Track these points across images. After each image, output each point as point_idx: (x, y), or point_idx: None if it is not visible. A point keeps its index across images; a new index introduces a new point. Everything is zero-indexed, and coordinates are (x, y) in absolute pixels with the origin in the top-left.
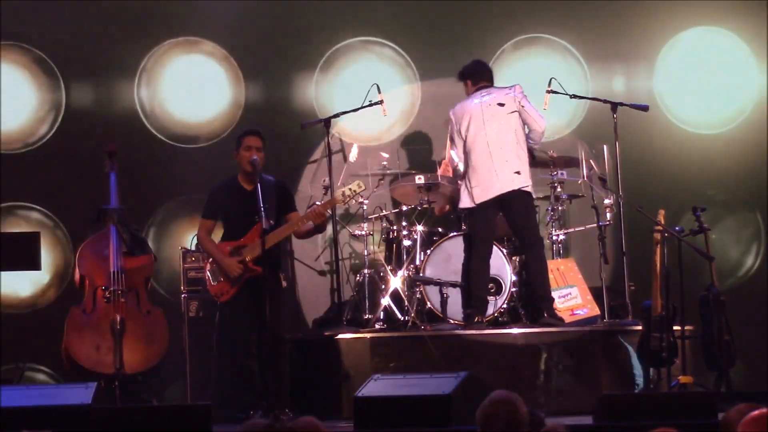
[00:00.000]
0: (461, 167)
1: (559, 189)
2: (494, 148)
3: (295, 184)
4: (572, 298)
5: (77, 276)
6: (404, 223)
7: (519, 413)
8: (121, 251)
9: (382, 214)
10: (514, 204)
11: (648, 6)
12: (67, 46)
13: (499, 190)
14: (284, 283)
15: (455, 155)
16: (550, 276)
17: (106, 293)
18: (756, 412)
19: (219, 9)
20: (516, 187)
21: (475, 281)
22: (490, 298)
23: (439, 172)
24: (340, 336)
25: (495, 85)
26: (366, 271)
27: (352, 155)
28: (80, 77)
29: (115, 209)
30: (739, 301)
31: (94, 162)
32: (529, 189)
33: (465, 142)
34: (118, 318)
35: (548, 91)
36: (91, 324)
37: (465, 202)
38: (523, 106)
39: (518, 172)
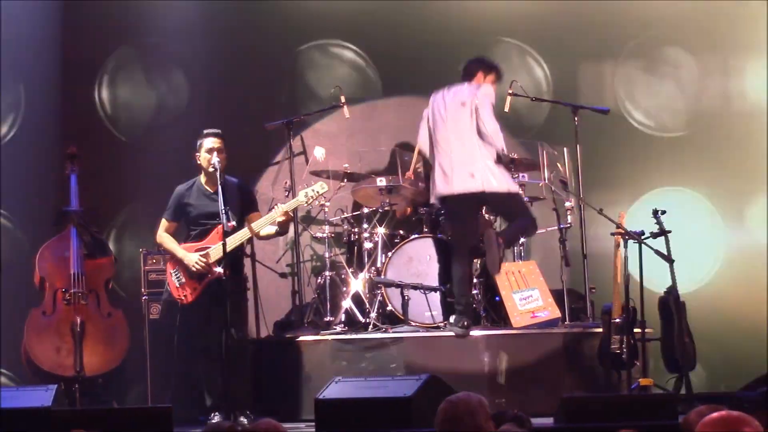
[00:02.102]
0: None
1: (520, 191)
2: (454, 147)
3: (258, 185)
4: (533, 300)
5: (37, 278)
6: (365, 226)
7: (478, 415)
8: (82, 253)
9: (343, 216)
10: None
11: (609, 8)
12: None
13: (455, 189)
14: (247, 285)
15: (424, 144)
16: (512, 278)
17: (66, 295)
18: (715, 414)
19: (181, 10)
20: (469, 191)
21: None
22: (451, 301)
23: (413, 161)
24: (302, 338)
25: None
26: (327, 273)
27: (320, 155)
28: (40, 78)
29: (76, 211)
30: (699, 303)
31: (55, 164)
32: (481, 190)
33: (429, 134)
34: (79, 320)
35: (510, 94)
36: (51, 326)
37: (431, 198)
38: (476, 109)
39: (472, 175)
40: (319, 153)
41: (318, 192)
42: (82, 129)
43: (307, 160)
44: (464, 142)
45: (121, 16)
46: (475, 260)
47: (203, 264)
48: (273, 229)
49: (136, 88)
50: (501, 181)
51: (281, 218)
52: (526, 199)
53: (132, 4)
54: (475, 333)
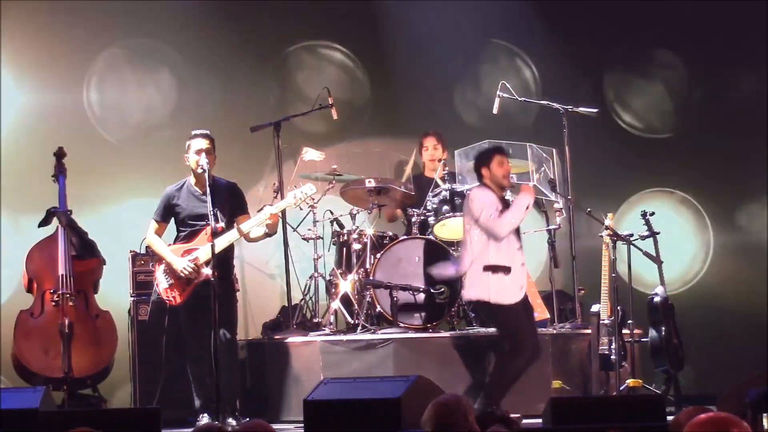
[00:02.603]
0: None
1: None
2: None
3: (247, 186)
4: None
5: (25, 279)
6: (354, 227)
7: (464, 416)
8: (70, 254)
9: (332, 217)
10: None
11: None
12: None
13: None
14: (237, 287)
15: None
16: None
17: (55, 296)
18: (704, 415)
19: (169, 11)
20: None
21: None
22: (440, 302)
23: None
24: (290, 340)
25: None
26: (316, 274)
27: (316, 156)
28: (28, 79)
29: (64, 212)
30: (687, 304)
31: (43, 164)
32: None
33: None
34: (67, 321)
35: (498, 95)
36: (40, 327)
37: None
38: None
39: None
40: (314, 155)
41: (306, 193)
42: (71, 130)
43: (295, 162)
44: None
45: (109, 17)
46: None
47: (191, 270)
48: (262, 231)
49: (125, 90)
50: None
51: (269, 220)
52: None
53: (120, 4)
54: (464, 334)
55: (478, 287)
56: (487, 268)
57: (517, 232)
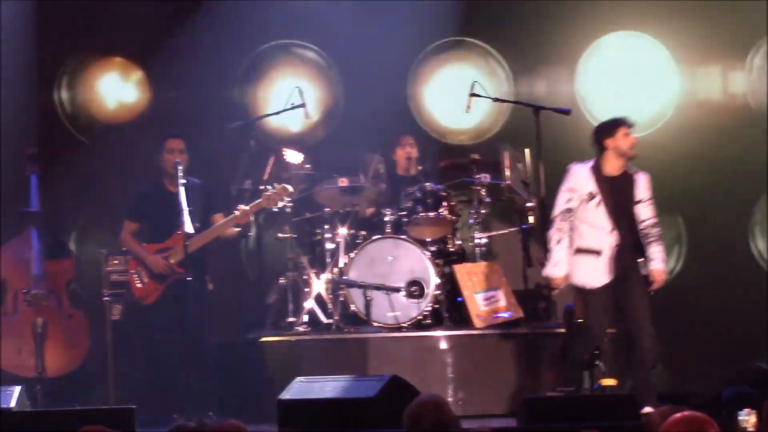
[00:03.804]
0: None
1: (482, 192)
2: None
3: (221, 186)
4: (496, 300)
5: None
6: (327, 226)
7: (445, 416)
8: (43, 254)
9: (305, 217)
10: None
11: (570, 9)
12: None
13: None
14: (210, 286)
15: None
16: (474, 278)
17: (27, 296)
18: (679, 414)
19: (140, 9)
20: None
21: None
22: (413, 301)
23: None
24: (264, 339)
25: None
26: (289, 274)
27: (295, 158)
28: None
29: (37, 212)
30: (661, 303)
31: (15, 164)
32: None
33: None
34: (40, 321)
35: (471, 95)
36: (12, 327)
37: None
38: None
39: None
40: (293, 157)
41: (279, 193)
42: (43, 130)
43: (269, 162)
44: None
45: (81, 16)
46: (438, 261)
47: (165, 269)
48: (235, 230)
49: (96, 89)
50: None
51: (243, 219)
52: (488, 199)
53: (91, 4)
54: (437, 333)
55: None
56: (578, 251)
57: (612, 213)
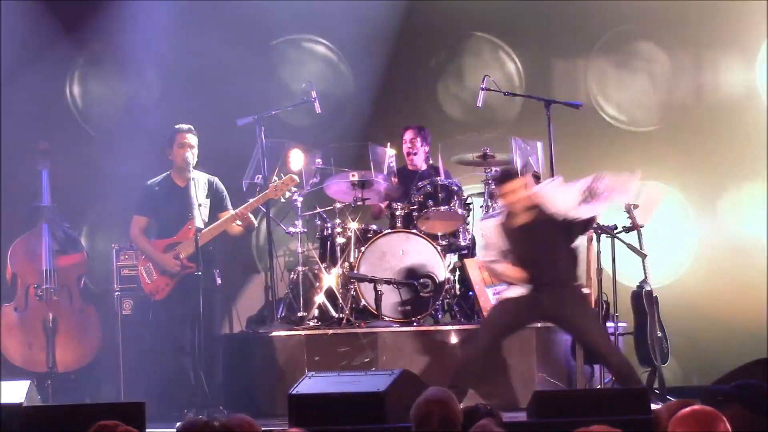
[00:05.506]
0: None
1: (493, 186)
2: None
3: (231, 181)
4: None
5: (9, 274)
6: (338, 221)
7: (453, 411)
8: (54, 249)
9: (316, 211)
10: None
11: (581, 2)
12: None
13: None
14: (219, 281)
15: None
16: (485, 273)
17: (38, 291)
18: (687, 409)
19: (153, 6)
20: None
21: None
22: (424, 296)
23: None
24: (275, 333)
25: None
26: (300, 268)
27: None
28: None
29: (48, 207)
30: (671, 297)
31: (27, 159)
32: None
33: None
34: (51, 316)
35: (483, 89)
36: (23, 322)
37: None
38: None
39: None
40: (297, 158)
41: (286, 183)
42: (54, 124)
43: (279, 157)
44: None
45: (93, 13)
46: (448, 255)
47: (175, 264)
48: (240, 227)
49: (108, 84)
50: None
51: (243, 215)
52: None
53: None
54: (448, 327)
55: None
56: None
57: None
